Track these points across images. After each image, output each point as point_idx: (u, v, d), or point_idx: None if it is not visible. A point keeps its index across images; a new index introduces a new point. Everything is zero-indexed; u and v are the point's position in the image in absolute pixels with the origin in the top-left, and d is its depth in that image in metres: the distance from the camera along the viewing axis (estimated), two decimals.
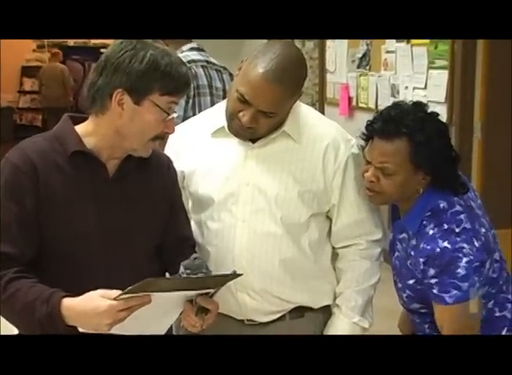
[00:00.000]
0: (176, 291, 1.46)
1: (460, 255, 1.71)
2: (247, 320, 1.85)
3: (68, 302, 1.45)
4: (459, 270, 1.70)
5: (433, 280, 1.74)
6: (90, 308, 1.41)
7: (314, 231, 1.85)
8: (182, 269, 1.48)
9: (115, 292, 1.40)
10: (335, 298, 1.90)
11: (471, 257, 1.71)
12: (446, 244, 1.73)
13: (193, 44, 3.36)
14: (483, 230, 1.78)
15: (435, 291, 1.74)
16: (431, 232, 1.76)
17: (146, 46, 1.57)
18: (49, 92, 10.36)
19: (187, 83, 1.62)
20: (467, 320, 1.76)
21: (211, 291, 1.53)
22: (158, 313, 1.49)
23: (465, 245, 1.72)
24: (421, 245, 1.77)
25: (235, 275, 1.50)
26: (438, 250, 1.73)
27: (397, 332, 2.18)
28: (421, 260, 1.75)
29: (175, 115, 1.63)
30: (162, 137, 1.65)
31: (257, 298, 1.80)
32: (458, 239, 1.72)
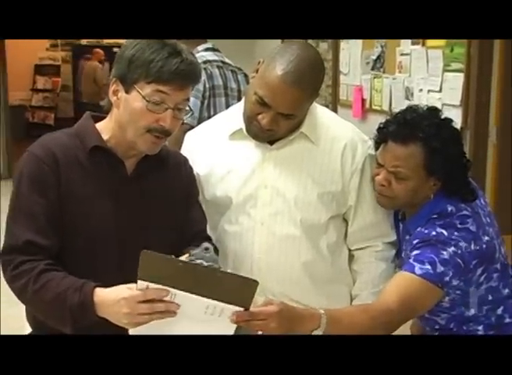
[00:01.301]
0: (183, 286, 1.40)
1: (453, 242, 1.70)
2: None
3: (100, 291, 1.48)
4: (443, 253, 1.69)
5: (414, 252, 1.72)
6: (114, 295, 1.44)
7: (333, 233, 1.85)
8: (188, 257, 1.45)
9: None
10: (351, 301, 1.90)
11: (460, 252, 1.69)
12: (443, 231, 1.72)
13: (209, 45, 3.37)
14: (486, 238, 1.76)
15: (410, 261, 1.71)
16: (433, 221, 1.76)
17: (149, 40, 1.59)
18: (84, 89, 11.01)
19: (176, 72, 1.55)
20: (415, 307, 1.70)
21: (235, 307, 1.43)
22: (188, 329, 1.45)
23: (461, 241, 1.71)
24: (419, 229, 1.77)
25: (251, 281, 1.40)
26: (433, 233, 1.72)
27: (407, 332, 2.17)
28: (414, 242, 1.74)
29: (189, 114, 1.63)
30: (162, 131, 1.59)
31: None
32: (457, 233, 1.72)
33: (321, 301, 1.82)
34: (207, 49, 3.37)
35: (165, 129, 1.59)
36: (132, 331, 1.45)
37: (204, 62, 3.25)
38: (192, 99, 2.90)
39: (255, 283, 1.40)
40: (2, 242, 1.60)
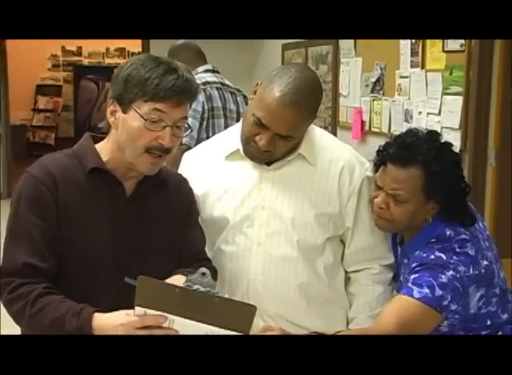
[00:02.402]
0: (181, 312, 1.39)
1: (452, 266, 1.69)
2: None
3: (98, 317, 1.46)
4: (442, 276, 1.67)
5: (413, 275, 1.70)
6: (112, 321, 1.43)
7: (329, 255, 1.84)
8: (185, 283, 1.43)
9: None
10: (347, 323, 1.88)
11: (458, 276, 1.68)
12: (442, 255, 1.71)
13: (209, 66, 3.40)
14: (485, 262, 1.75)
15: (408, 284, 1.69)
16: (431, 245, 1.74)
17: (141, 57, 1.59)
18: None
19: (172, 89, 1.54)
20: (413, 331, 1.65)
21: (234, 333, 1.40)
22: None
23: (460, 265, 1.69)
24: (417, 253, 1.75)
25: (249, 306, 1.40)
26: (432, 257, 1.71)
27: None
28: (413, 265, 1.73)
29: (188, 132, 1.62)
30: (161, 150, 1.58)
31: (272, 322, 1.76)
32: (455, 257, 1.71)
33: (317, 323, 1.81)
34: (206, 71, 3.39)
35: (164, 147, 1.58)
36: None
37: (204, 84, 3.27)
38: (190, 120, 2.91)
39: (253, 308, 1.38)
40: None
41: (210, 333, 1.39)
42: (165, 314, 1.38)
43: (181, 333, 1.40)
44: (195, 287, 1.40)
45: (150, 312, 1.38)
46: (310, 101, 1.73)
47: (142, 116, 1.55)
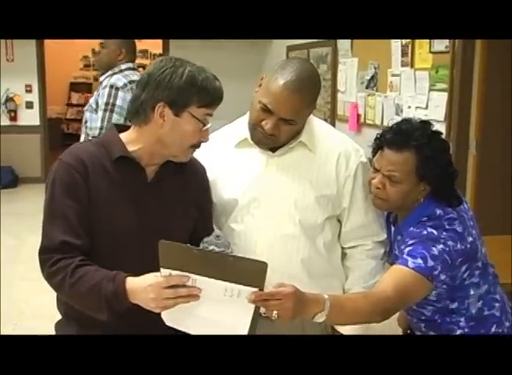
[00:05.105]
0: (201, 271, 1.37)
1: (442, 241, 1.67)
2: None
3: (130, 280, 1.46)
4: (433, 249, 1.66)
5: (408, 248, 1.69)
6: (142, 283, 1.43)
7: (328, 233, 1.82)
8: (202, 244, 1.41)
9: None
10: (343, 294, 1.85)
11: (448, 249, 1.67)
12: (434, 231, 1.70)
13: (130, 65, 3.34)
14: (470, 238, 1.73)
15: (404, 256, 1.68)
16: (423, 223, 1.73)
17: (183, 63, 1.58)
18: None
19: (220, 96, 1.60)
20: (408, 296, 1.65)
21: (251, 288, 1.38)
22: (212, 310, 1.42)
23: (449, 240, 1.68)
24: (411, 229, 1.74)
25: (260, 263, 1.36)
26: (425, 232, 1.70)
27: (396, 326, 2.13)
28: (407, 239, 1.72)
29: (209, 125, 1.62)
30: (199, 145, 1.63)
31: None
32: (445, 233, 1.69)
33: None
34: (129, 68, 3.33)
35: (203, 142, 1.63)
36: (163, 315, 1.43)
37: (130, 82, 3.21)
38: (116, 116, 2.94)
39: (265, 264, 1.36)
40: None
41: (229, 289, 1.38)
42: (188, 274, 1.37)
43: (203, 290, 1.38)
44: (211, 247, 1.39)
45: (175, 272, 1.37)
46: (310, 88, 1.72)
47: (201, 121, 1.58)
